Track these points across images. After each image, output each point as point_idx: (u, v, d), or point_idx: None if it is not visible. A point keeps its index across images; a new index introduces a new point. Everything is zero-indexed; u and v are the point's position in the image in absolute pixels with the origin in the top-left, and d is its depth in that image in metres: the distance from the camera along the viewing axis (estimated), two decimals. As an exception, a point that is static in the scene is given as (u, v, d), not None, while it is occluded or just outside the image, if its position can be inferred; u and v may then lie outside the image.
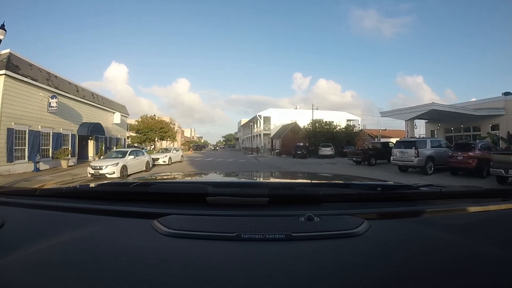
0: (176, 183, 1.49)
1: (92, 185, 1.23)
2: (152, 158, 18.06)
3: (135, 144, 26.71)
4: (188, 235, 0.66)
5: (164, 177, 2.08)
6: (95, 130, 20.88)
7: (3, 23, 9.47)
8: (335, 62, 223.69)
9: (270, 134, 40.76)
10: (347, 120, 40.50)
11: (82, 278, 0.50)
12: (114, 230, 0.73)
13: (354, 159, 18.44)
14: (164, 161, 17.89)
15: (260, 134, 42.27)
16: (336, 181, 1.57)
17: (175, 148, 20.94)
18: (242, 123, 64.04)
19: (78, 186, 1.21)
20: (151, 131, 23.58)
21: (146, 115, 25.89)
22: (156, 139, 25.10)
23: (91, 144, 22.89)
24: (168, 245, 0.63)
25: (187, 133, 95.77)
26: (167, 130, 25.20)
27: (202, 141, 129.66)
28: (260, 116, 41.38)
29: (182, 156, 21.65)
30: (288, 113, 41.60)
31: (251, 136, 49.20)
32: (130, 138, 25.35)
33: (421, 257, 0.58)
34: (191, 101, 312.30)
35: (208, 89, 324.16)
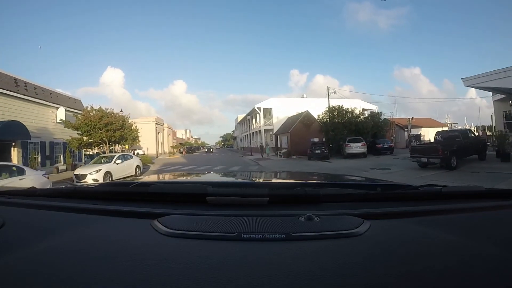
0: (176, 183, 1.52)
1: (92, 185, 1.27)
2: (77, 175, 10.63)
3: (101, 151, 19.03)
4: (188, 235, 0.66)
5: (164, 177, 2.10)
6: (9, 132, 13.51)
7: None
8: (331, 57, 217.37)
9: (272, 129, 33.31)
10: (363, 110, 32.99)
11: (82, 278, 0.50)
12: (114, 230, 0.73)
13: (425, 159, 10.97)
14: (95, 179, 10.16)
15: (260, 130, 34.65)
16: (336, 181, 1.56)
17: (123, 155, 13.19)
18: (239, 120, 56.57)
19: (78, 186, 1.22)
20: (94, 129, 15.42)
21: (91, 106, 16.84)
22: (114, 142, 17.21)
23: (15, 153, 15.52)
24: (168, 245, 0.63)
25: (180, 134, 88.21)
26: (120, 127, 16.73)
27: (200, 142, 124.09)
28: (259, 108, 33.74)
29: (138, 166, 13.81)
30: (292, 103, 34.09)
31: (250, 134, 41.73)
32: (73, 142, 16.51)
33: (421, 257, 0.58)
34: (188, 102, 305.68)
35: (205, 90, 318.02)
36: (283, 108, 33.50)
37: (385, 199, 0.95)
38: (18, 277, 0.52)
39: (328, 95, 25.88)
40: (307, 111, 24.25)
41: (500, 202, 0.93)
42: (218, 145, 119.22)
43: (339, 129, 22.90)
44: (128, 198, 0.97)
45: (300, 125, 23.51)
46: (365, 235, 0.65)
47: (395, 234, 0.68)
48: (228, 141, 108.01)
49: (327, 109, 24.66)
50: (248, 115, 39.87)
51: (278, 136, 27.47)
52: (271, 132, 34.66)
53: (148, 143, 46.72)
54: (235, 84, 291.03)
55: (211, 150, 49.09)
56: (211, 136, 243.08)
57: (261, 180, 1.74)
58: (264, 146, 27.29)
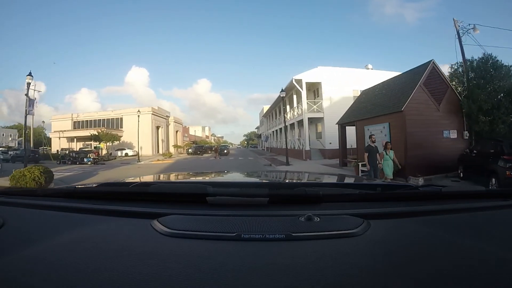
0: (176, 183, 1.50)
1: (92, 185, 1.21)
2: None
3: None
4: (188, 235, 0.66)
5: (164, 177, 2.04)
6: None
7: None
8: (358, 51, 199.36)
9: (322, 118, 19.52)
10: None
11: (82, 278, 0.51)
12: (114, 230, 0.73)
13: None
14: None
15: (301, 120, 20.81)
16: (336, 181, 1.55)
17: None
18: (264, 111, 42.98)
19: (78, 186, 1.17)
20: None
21: None
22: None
23: None
24: (168, 245, 0.63)
25: (195, 132, 76.61)
26: None
27: (222, 141, 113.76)
28: (299, 82, 19.81)
29: None
30: (350, 77, 20.33)
31: (281, 128, 28.09)
32: None
33: (421, 257, 0.58)
34: (212, 101, 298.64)
35: (229, 90, 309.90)
36: (335, 85, 19.63)
37: (385, 199, 0.95)
38: (18, 277, 0.52)
39: (460, 38, 11.90)
40: (433, 61, 9.92)
41: (500, 202, 0.93)
42: (241, 145, 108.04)
43: (506, 109, 9.44)
44: (128, 198, 0.96)
45: (423, 94, 9.40)
46: (365, 235, 0.65)
47: (395, 234, 0.69)
48: (252, 140, 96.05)
49: (455, 67, 10.83)
50: (280, 98, 25.49)
51: (357, 128, 11.88)
52: (318, 124, 20.78)
53: (141, 141, 34.88)
54: (258, 83, 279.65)
55: (225, 151, 33.61)
56: (237, 135, 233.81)
57: (261, 180, 1.70)
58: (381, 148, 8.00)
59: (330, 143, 18.98)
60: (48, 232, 0.71)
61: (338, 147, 18.68)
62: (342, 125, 13.19)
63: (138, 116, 23.93)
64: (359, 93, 20.84)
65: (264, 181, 1.68)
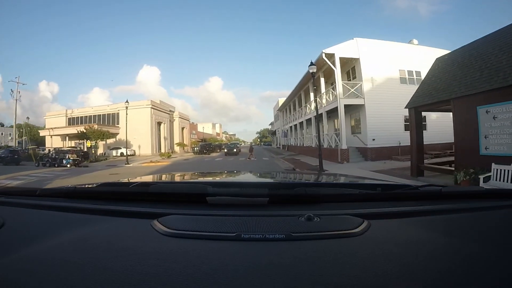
0: (176, 183, 1.50)
1: (92, 185, 1.19)
2: None
3: None
4: (188, 235, 0.66)
5: (164, 177, 2.03)
6: None
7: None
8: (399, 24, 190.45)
9: (362, 105, 14.62)
10: None
11: (82, 278, 0.51)
12: (114, 230, 0.73)
13: None
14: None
15: (332, 110, 16.02)
16: (336, 181, 1.53)
17: None
18: (280, 104, 38.14)
19: (78, 186, 1.16)
20: None
21: None
22: None
23: None
24: (168, 245, 0.63)
25: (206, 129, 72.58)
26: None
27: (234, 138, 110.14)
28: (331, 57, 14.87)
29: None
30: (391, 52, 15.51)
31: (304, 122, 23.31)
32: None
33: (421, 257, 0.58)
34: (224, 99, 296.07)
35: (242, 87, 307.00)
36: (376, 63, 14.87)
37: (385, 199, 0.94)
38: (18, 277, 0.52)
39: None
40: None
41: (500, 202, 0.92)
42: (253, 142, 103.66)
43: None
44: (128, 198, 0.96)
45: None
46: (365, 235, 0.65)
47: (395, 234, 0.68)
48: (265, 137, 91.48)
49: None
50: (311, 67, 16.40)
51: (455, 111, 7.59)
52: (353, 115, 15.83)
53: (139, 138, 30.91)
54: (272, 80, 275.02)
55: (235, 151, 27.78)
56: (249, 133, 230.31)
57: (261, 180, 1.69)
58: None
59: (374, 139, 14.09)
60: (48, 232, 0.71)
61: (383, 145, 13.78)
62: (418, 109, 8.18)
63: (126, 107, 19.55)
64: (407, 74, 16.11)
65: (264, 181, 1.67)
